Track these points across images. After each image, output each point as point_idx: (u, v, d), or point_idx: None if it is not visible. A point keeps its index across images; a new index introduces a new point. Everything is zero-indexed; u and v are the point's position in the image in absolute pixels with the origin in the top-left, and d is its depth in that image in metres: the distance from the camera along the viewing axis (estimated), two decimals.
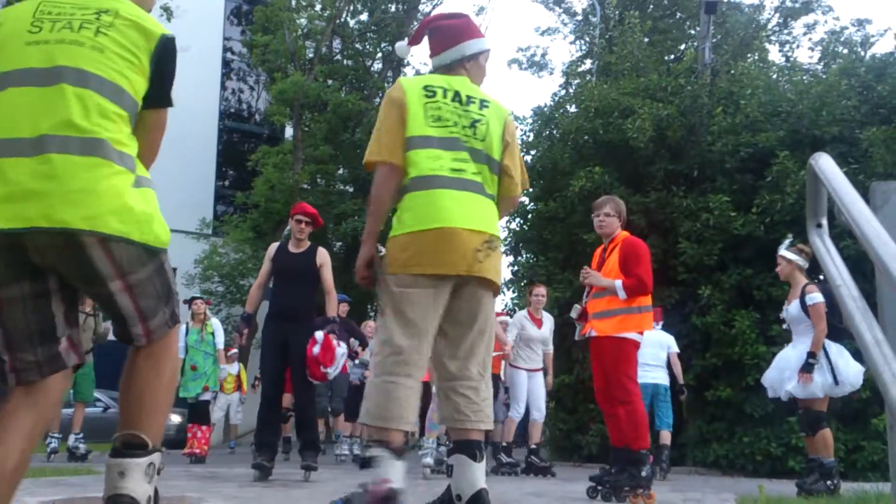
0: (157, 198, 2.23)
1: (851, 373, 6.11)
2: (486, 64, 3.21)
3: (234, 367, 12.70)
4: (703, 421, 11.74)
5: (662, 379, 9.10)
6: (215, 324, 9.71)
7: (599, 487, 5.19)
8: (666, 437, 8.99)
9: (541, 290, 8.88)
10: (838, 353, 6.17)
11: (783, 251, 6.44)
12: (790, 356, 6.37)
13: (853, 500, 5.05)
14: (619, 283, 5.15)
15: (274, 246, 6.29)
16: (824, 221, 2.52)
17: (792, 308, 6.37)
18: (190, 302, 9.48)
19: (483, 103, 3.01)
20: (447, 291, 2.79)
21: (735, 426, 11.38)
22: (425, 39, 3.24)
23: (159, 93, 2.27)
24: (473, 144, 2.92)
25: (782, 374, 6.36)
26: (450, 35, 3.12)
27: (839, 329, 6.22)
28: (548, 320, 8.78)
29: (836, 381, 6.06)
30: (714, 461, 11.33)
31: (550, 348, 8.84)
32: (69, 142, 2.02)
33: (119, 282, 2.11)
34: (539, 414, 8.60)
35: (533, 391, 8.50)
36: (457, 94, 2.99)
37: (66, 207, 1.98)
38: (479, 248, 2.75)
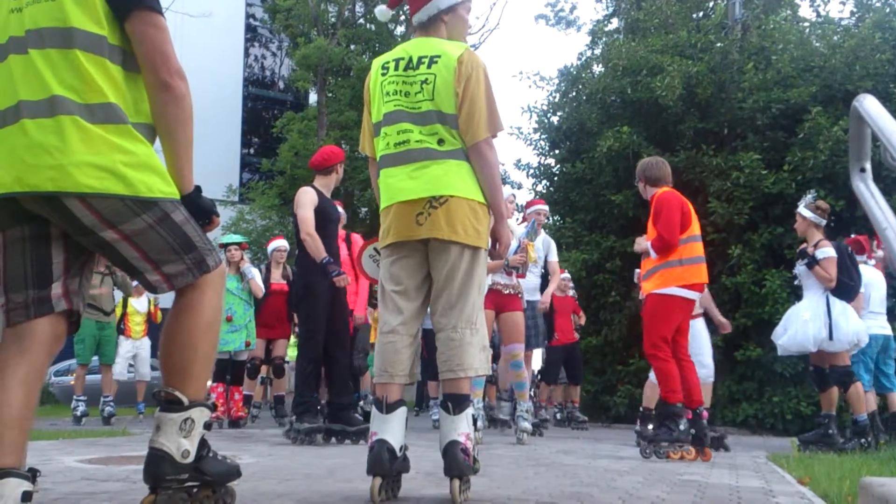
0: (150, 149, 2.18)
1: (850, 330, 6.11)
2: (467, 14, 3.10)
3: (143, 304, 10.11)
4: (732, 381, 11.69)
5: (889, 329, 7.06)
6: (247, 270, 8.33)
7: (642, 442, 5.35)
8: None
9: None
10: (842, 310, 6.16)
11: (801, 209, 6.43)
12: (799, 311, 6.37)
13: (886, 457, 5.01)
14: (647, 244, 5.31)
15: (311, 191, 5.82)
16: (868, 165, 2.44)
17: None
18: (224, 248, 8.42)
19: (433, 59, 2.90)
20: (417, 255, 2.94)
21: (765, 386, 11.34)
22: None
23: None
24: (422, 107, 2.88)
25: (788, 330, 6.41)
26: None
27: (849, 287, 6.19)
28: None
29: (830, 337, 6.09)
30: (743, 420, 11.31)
31: None
32: (39, 106, 2.05)
33: (111, 231, 2.10)
34: (704, 371, 6.56)
35: (693, 340, 6.16)
36: (409, 60, 2.94)
37: (36, 170, 2.02)
38: (420, 211, 2.85)
